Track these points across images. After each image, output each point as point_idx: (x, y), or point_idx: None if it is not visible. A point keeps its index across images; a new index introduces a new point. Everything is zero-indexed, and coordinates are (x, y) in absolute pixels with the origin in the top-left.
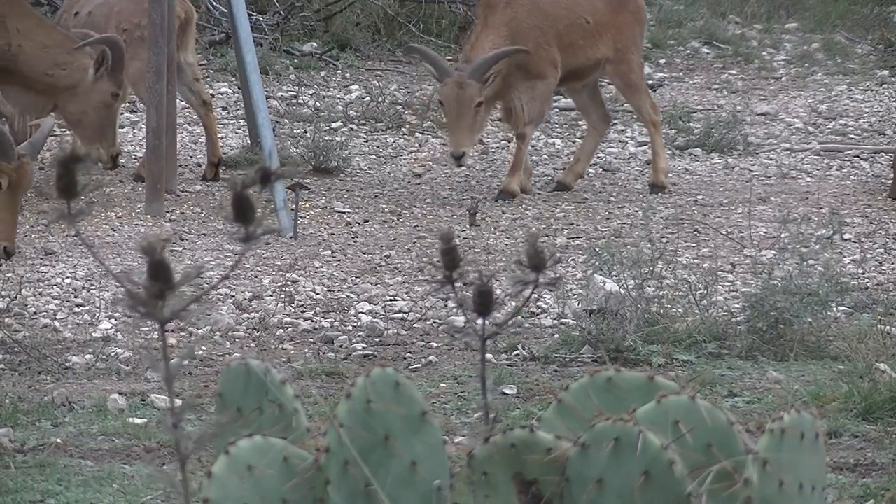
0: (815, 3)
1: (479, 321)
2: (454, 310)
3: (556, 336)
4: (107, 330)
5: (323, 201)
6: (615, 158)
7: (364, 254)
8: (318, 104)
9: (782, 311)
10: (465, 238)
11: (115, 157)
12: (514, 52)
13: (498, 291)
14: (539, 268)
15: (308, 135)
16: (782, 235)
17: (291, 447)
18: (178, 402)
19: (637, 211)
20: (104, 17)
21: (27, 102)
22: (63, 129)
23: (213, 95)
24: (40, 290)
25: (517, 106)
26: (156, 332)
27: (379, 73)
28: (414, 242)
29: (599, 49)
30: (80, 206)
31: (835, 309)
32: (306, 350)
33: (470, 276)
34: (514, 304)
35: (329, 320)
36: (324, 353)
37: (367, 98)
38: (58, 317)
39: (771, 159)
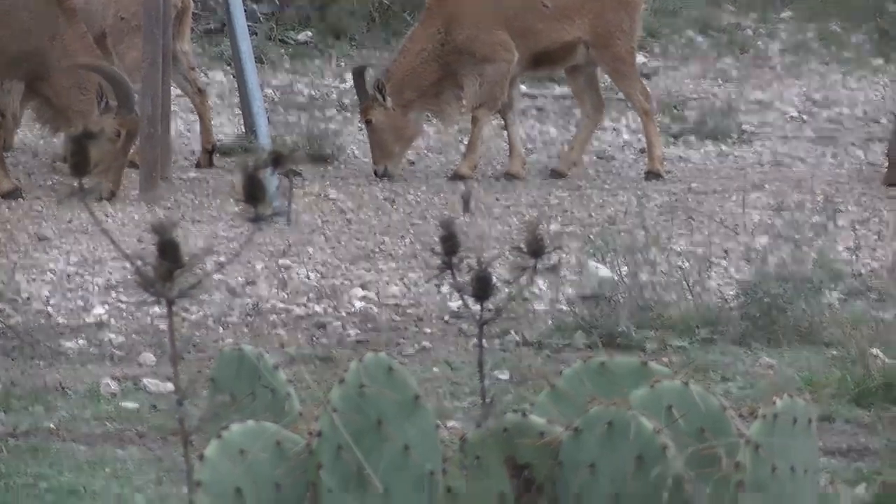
0: None
1: (477, 306)
2: (448, 296)
3: (550, 322)
4: (100, 315)
5: (317, 188)
6: (609, 146)
7: (358, 240)
8: (312, 92)
9: (776, 298)
10: (459, 225)
11: (112, 192)
12: None
13: (494, 278)
14: (538, 254)
15: (302, 123)
16: (776, 222)
17: (284, 431)
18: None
19: (631, 198)
20: (102, 6)
21: (47, 117)
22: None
23: (207, 84)
24: (34, 275)
25: (468, 89)
26: (149, 318)
27: (373, 61)
28: (408, 229)
29: (567, 33)
30: (91, 183)
31: (828, 295)
32: (299, 336)
33: (467, 262)
34: (508, 290)
35: (322, 306)
36: (317, 339)
37: None
38: (51, 302)
39: (765, 147)
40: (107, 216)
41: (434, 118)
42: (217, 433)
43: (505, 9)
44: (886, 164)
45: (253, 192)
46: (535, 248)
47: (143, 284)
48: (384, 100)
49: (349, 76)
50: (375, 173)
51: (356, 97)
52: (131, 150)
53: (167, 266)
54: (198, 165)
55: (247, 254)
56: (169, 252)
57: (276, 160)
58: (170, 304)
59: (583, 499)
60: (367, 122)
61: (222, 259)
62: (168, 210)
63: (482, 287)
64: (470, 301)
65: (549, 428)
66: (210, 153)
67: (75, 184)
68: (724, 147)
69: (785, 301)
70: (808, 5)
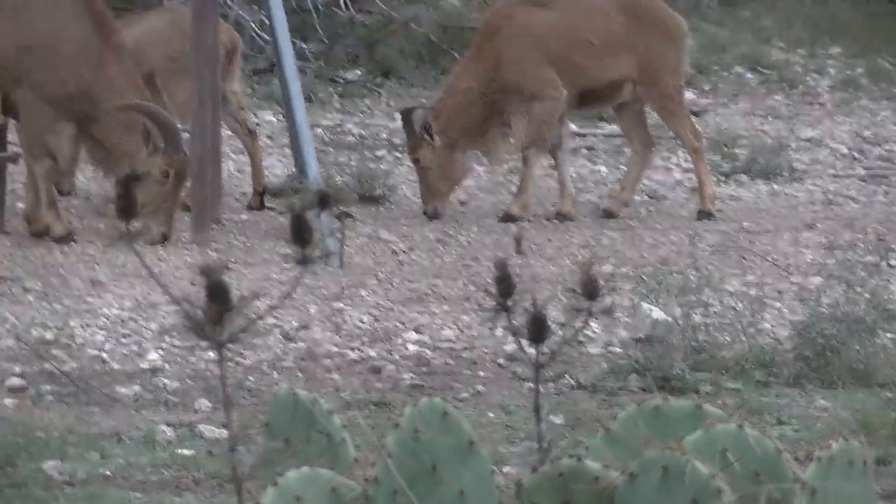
0: (858, 28)
1: (532, 349)
2: (502, 339)
3: (604, 364)
4: (154, 360)
5: (368, 230)
6: (660, 185)
7: (410, 282)
8: (362, 132)
9: (829, 339)
10: (510, 266)
11: (165, 235)
12: None
13: (548, 320)
14: (593, 296)
15: (353, 163)
16: (829, 262)
17: (339, 477)
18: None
19: (683, 238)
20: (151, 46)
21: (99, 159)
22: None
23: (257, 124)
24: (87, 320)
25: (516, 128)
26: (203, 363)
27: (423, 100)
28: (460, 271)
29: (613, 70)
30: (138, 227)
31: (882, 336)
32: (354, 380)
33: (522, 305)
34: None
35: (376, 350)
36: (371, 383)
37: None
38: (105, 347)
39: (816, 185)
40: (159, 259)
41: (483, 157)
42: (273, 480)
43: (551, 46)
44: None
45: (301, 234)
46: (590, 291)
47: (193, 328)
48: (431, 139)
49: (399, 115)
50: (426, 213)
51: (406, 137)
52: (182, 192)
53: (216, 309)
54: (249, 207)
55: (300, 297)
56: (218, 295)
57: (324, 201)
58: (220, 347)
59: None
60: (416, 162)
61: (274, 302)
62: (219, 252)
63: (538, 329)
64: (525, 344)
65: (605, 472)
66: (261, 195)
67: (123, 227)
68: (775, 185)
69: (839, 342)
70: (856, 41)
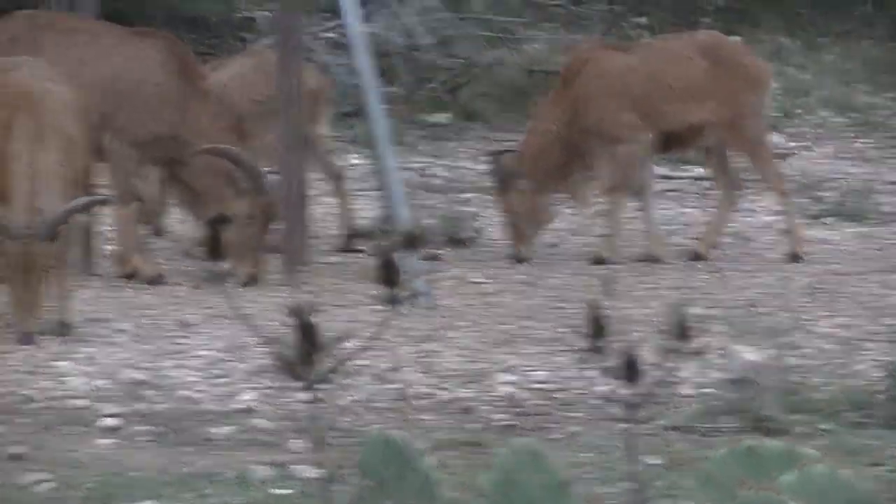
0: None
1: (625, 390)
2: (594, 380)
3: (697, 405)
4: (247, 401)
5: (457, 272)
6: (749, 227)
7: (501, 324)
8: (449, 175)
9: None
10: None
11: (253, 277)
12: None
13: (641, 361)
14: (684, 337)
15: (440, 206)
16: None
17: None
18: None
19: (772, 280)
20: (238, 90)
21: (188, 202)
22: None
23: (345, 167)
24: (180, 361)
25: (599, 171)
26: (296, 403)
27: (509, 143)
28: (550, 312)
29: (694, 115)
30: (226, 268)
31: None
32: (446, 420)
33: (614, 346)
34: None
35: (468, 391)
36: (463, 424)
37: None
38: (198, 388)
39: None
40: (250, 301)
41: (569, 200)
42: None
43: (632, 90)
44: None
45: (388, 275)
46: (682, 332)
47: (284, 369)
48: (517, 183)
49: (485, 159)
50: (513, 256)
51: (493, 181)
52: (267, 235)
53: (307, 350)
54: (338, 249)
55: (392, 339)
56: (308, 335)
57: (412, 242)
58: (311, 388)
59: None
60: (502, 206)
61: (364, 343)
62: (309, 294)
63: (631, 371)
64: (618, 385)
65: None
66: (350, 237)
67: (212, 268)
68: (862, 228)
69: None
70: None
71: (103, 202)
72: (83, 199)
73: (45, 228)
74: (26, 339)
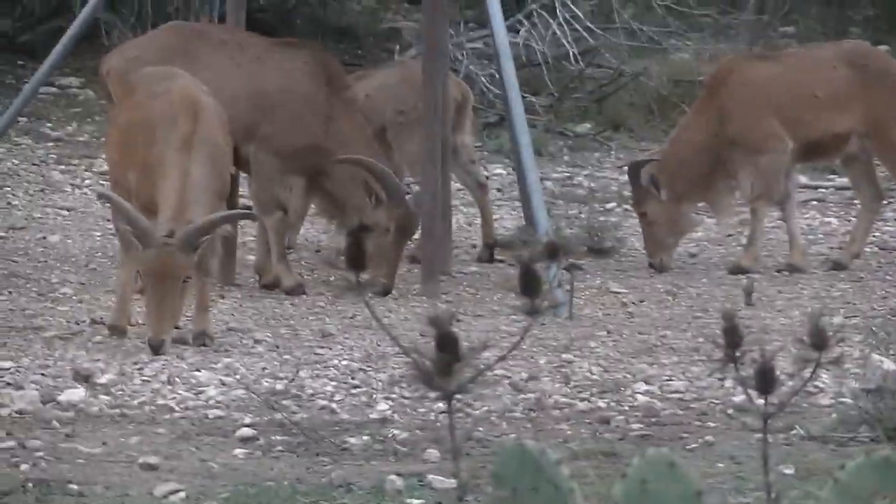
0: None
1: (761, 400)
2: (731, 390)
3: (834, 415)
4: (384, 411)
5: (598, 282)
6: (891, 237)
7: (640, 334)
8: (592, 185)
9: None
10: (741, 317)
11: (386, 287)
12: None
13: (777, 371)
14: (821, 347)
15: (582, 215)
16: None
17: None
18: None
19: None
20: (382, 100)
21: (330, 212)
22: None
23: (487, 177)
24: (318, 371)
25: (742, 181)
26: (433, 413)
27: (652, 154)
28: (690, 322)
29: (838, 124)
30: (366, 278)
31: None
32: (582, 430)
33: (750, 356)
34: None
35: (605, 400)
36: (600, 434)
37: None
38: (335, 398)
39: None
40: (388, 311)
41: (710, 210)
42: None
43: (776, 99)
44: None
45: (529, 285)
46: (819, 341)
47: (422, 379)
48: (658, 192)
49: (625, 168)
50: (652, 266)
51: (631, 190)
52: (404, 245)
53: (445, 360)
54: (479, 260)
55: (529, 348)
56: (447, 346)
57: (552, 252)
58: (449, 398)
59: None
60: (642, 216)
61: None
62: (449, 304)
63: (765, 381)
64: (753, 395)
65: None
66: (491, 247)
67: (353, 279)
68: None
69: None
70: None
71: (247, 216)
72: (226, 212)
73: (185, 238)
74: (157, 347)
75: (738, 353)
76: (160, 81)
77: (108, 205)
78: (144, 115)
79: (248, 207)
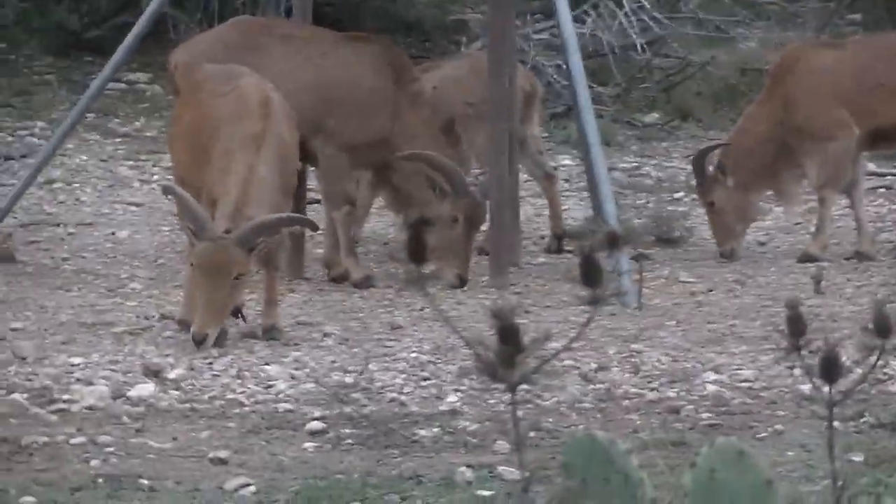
0: None
1: (826, 388)
2: (800, 378)
3: None
4: (453, 403)
5: (667, 272)
6: None
7: (709, 323)
8: (660, 175)
9: None
10: (810, 306)
11: (461, 278)
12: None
13: (844, 358)
14: (886, 334)
15: (650, 205)
16: None
17: None
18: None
19: None
20: (450, 92)
21: (397, 205)
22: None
23: (555, 168)
24: (387, 364)
25: (809, 168)
26: (503, 404)
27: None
28: (759, 311)
29: None
30: (431, 271)
31: None
32: (652, 420)
33: (816, 344)
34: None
35: (675, 390)
36: (669, 424)
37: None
38: (404, 391)
39: None
40: (458, 303)
41: (777, 199)
42: None
43: (842, 87)
44: None
45: (591, 275)
46: (883, 329)
47: (486, 371)
48: (725, 180)
49: (691, 158)
50: (721, 255)
51: (696, 180)
52: (474, 237)
53: (508, 352)
54: (547, 251)
55: (599, 339)
56: (510, 337)
57: (614, 242)
58: (512, 389)
59: None
60: (710, 205)
61: (568, 343)
62: (517, 296)
63: (830, 369)
64: (819, 383)
65: None
66: (560, 238)
67: (415, 271)
68: None
69: None
70: None
71: (306, 223)
72: (285, 215)
73: (241, 236)
74: (200, 341)
75: (802, 342)
76: (227, 80)
77: (172, 199)
78: (211, 113)
79: (317, 201)
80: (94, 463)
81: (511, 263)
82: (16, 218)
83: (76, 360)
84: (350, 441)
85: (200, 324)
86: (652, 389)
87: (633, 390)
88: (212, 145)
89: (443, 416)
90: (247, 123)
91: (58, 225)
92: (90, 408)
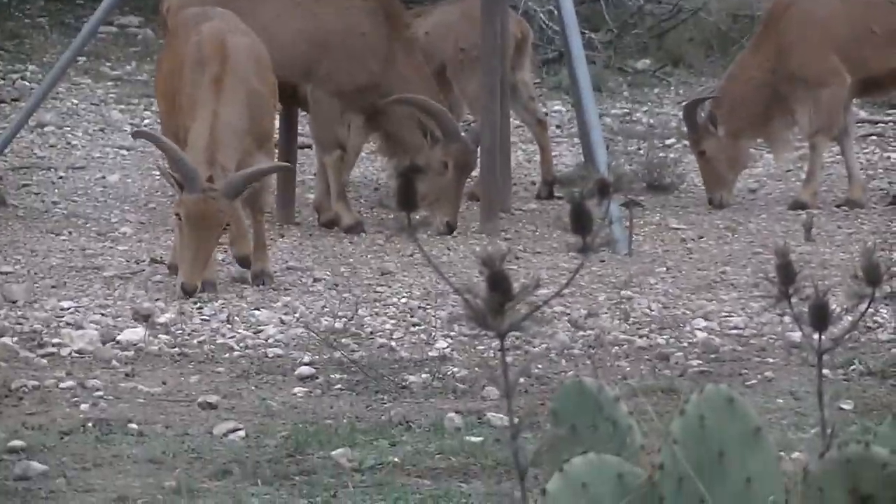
0: None
1: (816, 336)
2: (790, 325)
3: (893, 350)
4: (443, 349)
5: (657, 218)
6: None
7: (699, 270)
8: (651, 121)
9: None
10: (800, 253)
11: (450, 225)
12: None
13: (834, 306)
14: (875, 282)
15: (642, 152)
16: None
17: (626, 464)
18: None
19: None
20: (441, 38)
21: (388, 151)
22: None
23: (546, 114)
24: (377, 309)
25: (800, 116)
26: (492, 351)
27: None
28: (749, 258)
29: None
30: (421, 217)
31: None
32: (641, 367)
33: (806, 291)
34: (850, 318)
35: (664, 337)
36: (659, 370)
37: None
38: (394, 336)
39: None
40: (448, 249)
41: (768, 146)
42: (559, 466)
43: (834, 34)
44: None
45: (580, 222)
46: (873, 276)
47: (474, 318)
48: (716, 129)
49: (682, 107)
50: (711, 202)
51: (687, 130)
52: (464, 182)
53: (497, 299)
54: (538, 197)
55: (588, 285)
56: (499, 284)
57: (604, 189)
58: (501, 337)
59: None
60: (701, 154)
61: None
62: (508, 242)
63: (820, 316)
64: (808, 330)
65: (893, 458)
66: (550, 184)
67: (405, 218)
68: None
69: None
70: None
71: (285, 169)
72: (272, 164)
73: (229, 186)
74: (191, 292)
75: (792, 290)
76: (195, 24)
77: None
78: (180, 59)
79: (308, 146)
80: (83, 407)
81: (501, 209)
82: (6, 161)
83: (66, 304)
84: (339, 386)
85: (190, 275)
86: (642, 336)
87: (623, 337)
88: (181, 91)
89: (432, 362)
90: (206, 69)
91: (49, 168)
92: (80, 352)
